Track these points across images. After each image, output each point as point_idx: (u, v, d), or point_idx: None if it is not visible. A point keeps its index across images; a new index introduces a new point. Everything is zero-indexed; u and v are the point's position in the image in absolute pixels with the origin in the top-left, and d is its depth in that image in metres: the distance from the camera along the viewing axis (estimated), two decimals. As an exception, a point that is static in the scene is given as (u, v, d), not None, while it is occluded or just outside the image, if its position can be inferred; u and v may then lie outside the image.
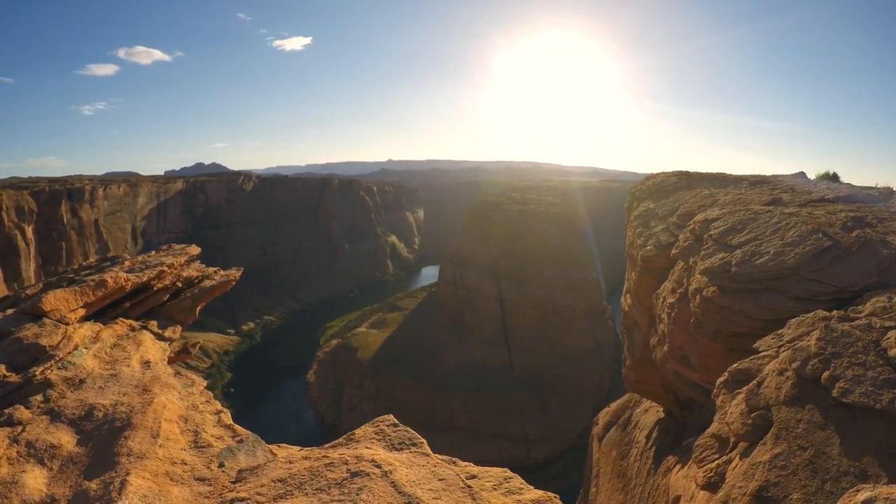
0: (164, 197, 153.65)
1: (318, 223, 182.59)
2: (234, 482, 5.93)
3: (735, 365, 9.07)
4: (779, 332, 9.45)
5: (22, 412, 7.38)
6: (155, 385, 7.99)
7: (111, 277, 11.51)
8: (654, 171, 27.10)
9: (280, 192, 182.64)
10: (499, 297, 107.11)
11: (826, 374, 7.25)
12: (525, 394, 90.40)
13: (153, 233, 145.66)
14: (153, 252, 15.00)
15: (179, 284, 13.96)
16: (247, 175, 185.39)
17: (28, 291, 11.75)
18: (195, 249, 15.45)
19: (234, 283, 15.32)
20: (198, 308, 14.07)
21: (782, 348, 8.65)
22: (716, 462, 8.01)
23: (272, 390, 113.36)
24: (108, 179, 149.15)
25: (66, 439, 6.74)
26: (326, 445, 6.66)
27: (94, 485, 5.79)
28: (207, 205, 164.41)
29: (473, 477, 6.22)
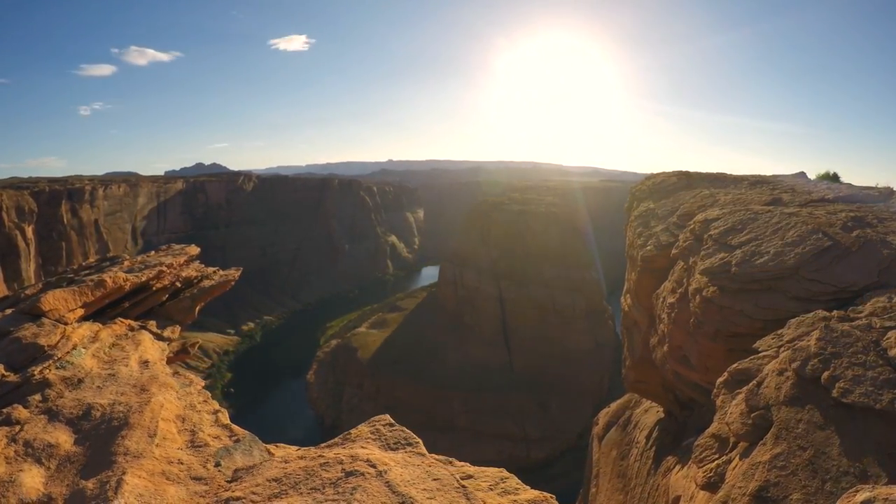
0: (164, 197, 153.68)
1: (318, 223, 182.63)
2: (229, 481, 5.94)
3: (735, 365, 9.06)
4: (779, 332, 9.43)
5: (20, 411, 7.38)
6: (153, 385, 7.98)
7: (110, 277, 11.51)
8: (655, 172, 27.09)
9: (280, 192, 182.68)
10: (499, 297, 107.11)
11: (826, 374, 7.23)
12: (525, 394, 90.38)
13: (153, 233, 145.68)
14: (152, 252, 14.99)
15: (178, 284, 13.95)
16: (247, 175, 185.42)
17: (27, 291, 11.75)
18: (194, 249, 15.44)
19: (233, 283, 15.30)
20: (197, 308, 14.06)
21: (782, 348, 8.64)
22: (716, 462, 7.99)
23: (272, 390, 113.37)
24: (108, 179, 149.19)
25: (63, 439, 6.75)
26: (322, 445, 6.66)
27: (90, 484, 5.80)
28: (207, 205, 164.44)
29: (470, 477, 6.21)
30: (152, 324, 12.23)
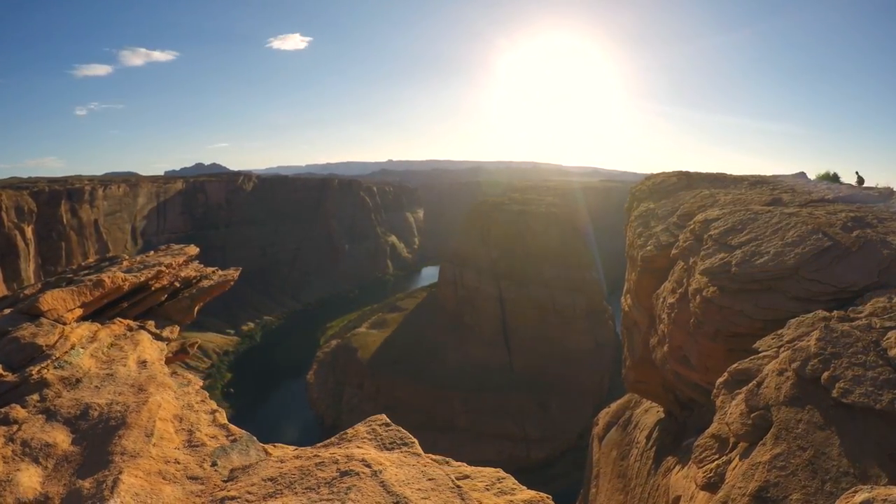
0: (164, 197, 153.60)
1: (318, 223, 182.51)
2: (225, 481, 5.93)
3: (735, 365, 9.05)
4: (779, 332, 9.42)
5: (18, 411, 7.36)
6: (150, 384, 7.96)
7: (108, 277, 11.49)
8: (655, 172, 27.09)
9: (280, 192, 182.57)
10: (499, 297, 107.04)
11: (826, 374, 7.21)
12: (525, 394, 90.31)
13: (153, 233, 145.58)
14: (151, 252, 14.97)
15: (177, 284, 13.93)
16: (246, 175, 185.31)
17: (26, 291, 11.73)
18: (193, 250, 15.42)
19: (232, 283, 15.28)
20: (196, 308, 14.03)
21: (782, 348, 8.62)
22: (715, 462, 7.97)
23: (272, 390, 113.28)
24: (108, 180, 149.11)
25: (61, 438, 6.75)
26: (319, 445, 6.66)
27: (87, 483, 5.80)
28: (207, 205, 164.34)
29: (466, 477, 6.20)
30: (151, 324, 12.21)
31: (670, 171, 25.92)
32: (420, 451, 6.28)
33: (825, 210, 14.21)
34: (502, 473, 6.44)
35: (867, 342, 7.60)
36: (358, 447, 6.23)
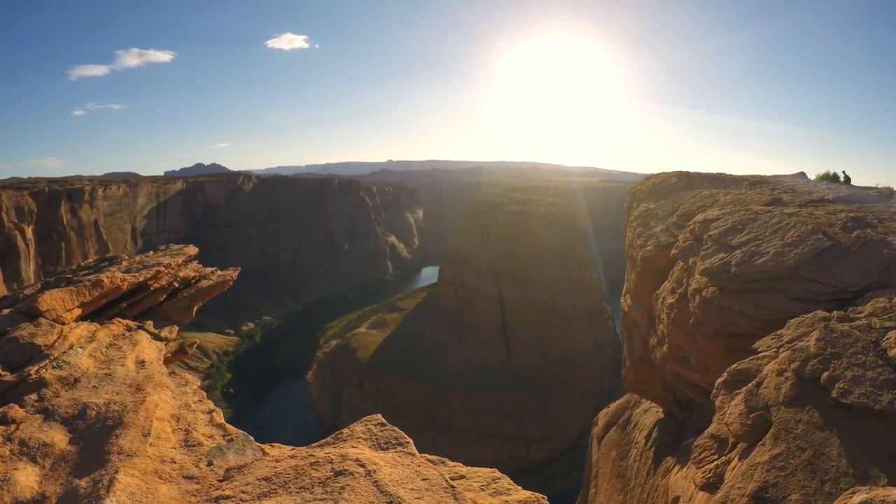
0: (164, 197, 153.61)
1: (318, 223, 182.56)
2: (221, 480, 5.95)
3: (734, 365, 9.04)
4: (778, 332, 9.41)
5: (16, 411, 7.38)
6: (148, 384, 7.97)
7: (107, 277, 11.49)
8: (655, 172, 27.08)
9: (280, 192, 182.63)
10: (499, 298, 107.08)
11: (825, 374, 7.20)
12: (525, 394, 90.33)
13: (153, 233, 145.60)
14: (151, 252, 14.97)
15: (176, 284, 13.93)
16: (246, 175, 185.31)
17: (26, 292, 11.74)
18: (193, 250, 15.43)
19: (231, 283, 15.28)
20: (195, 308, 14.04)
21: (782, 349, 8.61)
22: (715, 463, 7.96)
23: (272, 391, 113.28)
24: (108, 180, 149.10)
25: (58, 438, 6.77)
26: (314, 444, 6.69)
27: (83, 483, 5.82)
28: (207, 205, 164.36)
29: (462, 477, 6.20)
30: (150, 324, 12.21)
31: (670, 171, 25.92)
32: (415, 451, 6.30)
33: (825, 210, 14.21)
34: (498, 474, 6.44)
35: (867, 342, 7.60)
36: (353, 447, 6.24)
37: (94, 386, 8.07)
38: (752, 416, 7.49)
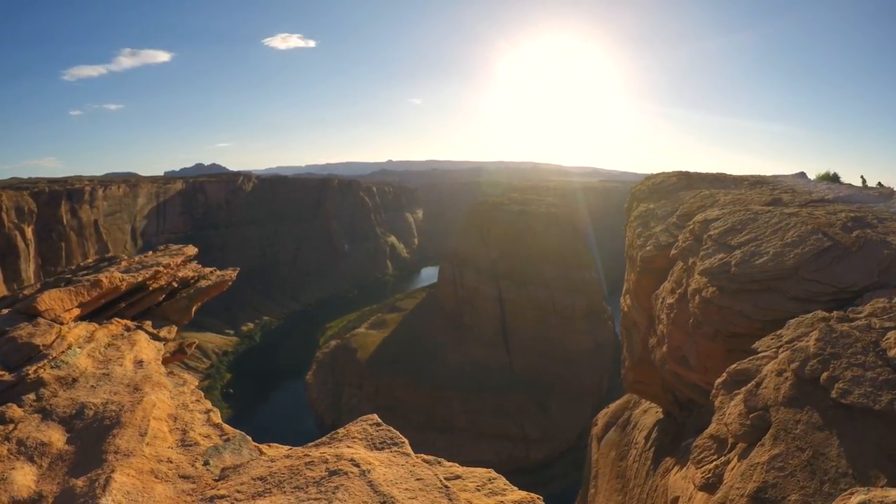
0: (164, 197, 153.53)
1: (318, 223, 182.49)
2: (216, 480, 5.96)
3: (734, 366, 9.03)
4: (778, 332, 9.40)
5: (14, 410, 7.38)
6: (146, 384, 7.97)
7: (106, 277, 11.49)
8: (655, 172, 27.08)
9: (280, 192, 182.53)
10: (498, 298, 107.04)
11: (825, 374, 7.19)
12: (524, 394, 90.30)
13: (153, 233, 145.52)
14: (150, 252, 14.97)
15: (175, 284, 13.92)
16: (246, 175, 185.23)
17: (25, 292, 11.74)
18: (192, 250, 15.43)
19: (230, 283, 15.27)
20: (194, 308, 14.03)
21: (781, 349, 8.60)
22: (714, 463, 7.95)
23: (271, 391, 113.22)
24: (108, 180, 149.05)
25: (56, 437, 6.78)
26: (310, 444, 6.70)
27: (80, 482, 5.84)
28: (207, 205, 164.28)
29: (458, 477, 6.20)
30: (148, 324, 12.21)
31: (670, 171, 25.91)
32: (410, 451, 6.30)
33: (825, 210, 14.20)
34: (493, 474, 6.44)
35: (866, 342, 7.58)
36: (348, 447, 6.25)
37: (92, 386, 8.07)
38: (751, 416, 7.48)
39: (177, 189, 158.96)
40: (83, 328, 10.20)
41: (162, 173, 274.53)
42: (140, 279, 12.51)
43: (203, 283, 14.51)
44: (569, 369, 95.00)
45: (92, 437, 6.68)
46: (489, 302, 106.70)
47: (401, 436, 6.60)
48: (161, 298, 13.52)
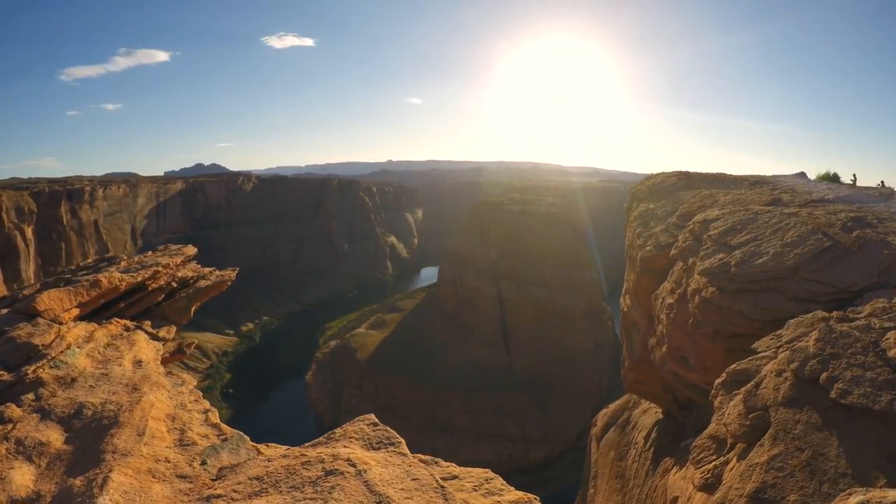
0: (164, 197, 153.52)
1: (318, 223, 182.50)
2: (213, 479, 5.99)
3: (733, 366, 9.02)
4: (777, 332, 9.39)
5: (13, 410, 7.38)
6: (145, 384, 7.97)
7: (105, 277, 11.49)
8: (655, 172, 27.07)
9: (280, 192, 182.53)
10: (498, 298, 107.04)
11: (825, 375, 7.18)
12: (524, 394, 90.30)
13: (153, 233, 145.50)
14: (149, 252, 14.97)
15: (174, 285, 13.92)
16: (246, 175, 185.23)
17: (25, 292, 11.74)
18: (191, 250, 15.43)
19: (229, 283, 15.27)
20: (193, 308, 14.03)
21: (781, 349, 8.59)
22: (713, 463, 7.94)
23: (271, 391, 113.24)
24: (108, 180, 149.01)
25: (54, 437, 6.79)
26: (307, 444, 6.72)
27: (78, 481, 5.85)
28: (207, 205, 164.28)
29: (455, 477, 6.21)
30: (148, 324, 12.21)
31: (670, 171, 25.91)
32: (406, 451, 6.32)
33: (825, 210, 14.19)
34: (491, 474, 6.45)
35: (866, 343, 7.57)
36: (345, 446, 6.26)
37: (91, 385, 8.07)
38: (750, 416, 7.47)
39: (177, 189, 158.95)
40: (82, 328, 10.20)
41: (162, 173, 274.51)
42: (139, 279, 12.51)
43: (202, 284, 14.51)
44: (569, 369, 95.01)
45: (90, 437, 6.69)
46: (489, 302, 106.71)
47: (397, 436, 6.62)
48: (160, 298, 13.52)
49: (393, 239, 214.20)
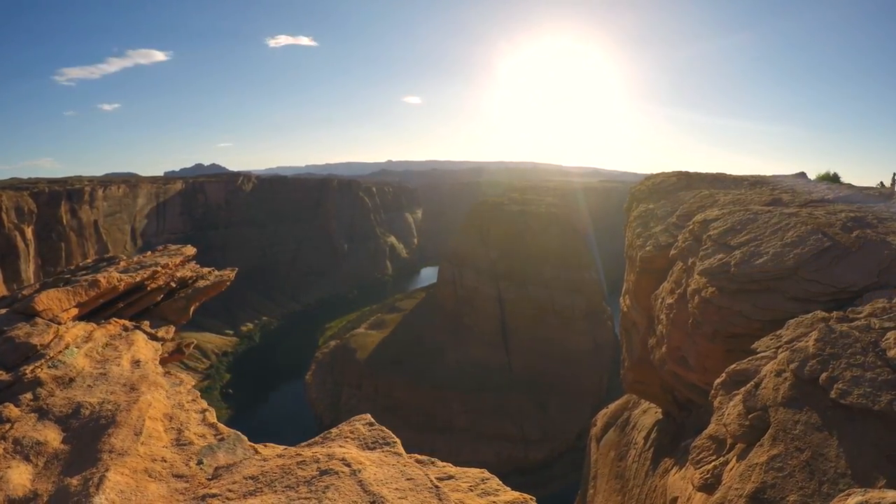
0: (164, 198, 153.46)
1: (318, 223, 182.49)
2: (209, 479, 6.01)
3: (733, 366, 9.01)
4: (777, 332, 9.38)
5: (11, 410, 7.37)
6: (143, 384, 7.97)
7: (104, 277, 11.48)
8: (655, 172, 27.07)
9: (279, 192, 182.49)
10: (498, 298, 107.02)
11: (824, 375, 7.17)
12: (524, 394, 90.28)
13: (152, 233, 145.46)
14: (149, 252, 14.95)
15: (173, 285, 13.90)
16: (246, 176, 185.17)
17: (24, 292, 11.72)
18: (191, 250, 15.41)
19: (228, 283, 15.25)
20: (192, 308, 14.01)
21: (780, 349, 8.58)
22: (713, 464, 7.93)
23: (271, 391, 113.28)
24: (108, 180, 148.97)
25: (52, 436, 6.79)
26: (303, 444, 6.73)
27: (74, 481, 5.85)
28: (207, 205, 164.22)
29: (450, 477, 6.21)
30: (146, 324, 12.19)
31: (670, 171, 25.92)
32: (402, 450, 6.33)
33: (825, 210, 14.18)
34: (487, 474, 6.45)
35: (866, 343, 7.56)
36: (340, 446, 6.27)
37: (89, 385, 8.06)
38: (750, 416, 7.46)
39: (176, 189, 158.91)
40: (81, 328, 10.18)
41: (162, 173, 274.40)
42: (138, 279, 12.50)
43: (201, 284, 14.49)
44: (568, 369, 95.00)
45: (88, 437, 6.69)
46: (489, 302, 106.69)
47: (393, 435, 6.63)
48: (159, 299, 13.50)
49: (393, 239, 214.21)
